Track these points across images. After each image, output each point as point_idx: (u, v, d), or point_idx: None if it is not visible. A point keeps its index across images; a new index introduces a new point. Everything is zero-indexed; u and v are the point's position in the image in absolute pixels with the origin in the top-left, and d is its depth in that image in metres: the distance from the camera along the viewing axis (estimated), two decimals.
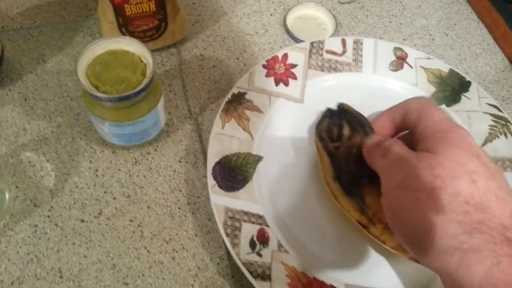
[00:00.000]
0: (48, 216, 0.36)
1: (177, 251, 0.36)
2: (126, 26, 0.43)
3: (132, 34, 0.43)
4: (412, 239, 0.29)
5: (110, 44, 0.36)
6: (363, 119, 0.39)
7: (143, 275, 0.35)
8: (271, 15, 0.53)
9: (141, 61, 0.36)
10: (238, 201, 0.37)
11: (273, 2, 0.55)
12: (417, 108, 0.34)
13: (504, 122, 0.44)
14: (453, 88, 0.47)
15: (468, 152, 0.29)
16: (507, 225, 0.27)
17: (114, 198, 0.38)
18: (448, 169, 0.28)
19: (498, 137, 0.44)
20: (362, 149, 0.36)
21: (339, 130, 0.39)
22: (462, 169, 0.28)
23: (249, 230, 0.36)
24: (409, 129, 0.35)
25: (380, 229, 0.34)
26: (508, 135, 0.44)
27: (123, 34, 0.43)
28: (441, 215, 0.27)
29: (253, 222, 0.37)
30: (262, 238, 0.36)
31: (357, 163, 0.36)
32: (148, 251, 0.36)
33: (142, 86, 0.34)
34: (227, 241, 0.35)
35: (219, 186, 0.37)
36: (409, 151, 0.32)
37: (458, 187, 0.27)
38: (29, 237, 0.35)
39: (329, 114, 0.41)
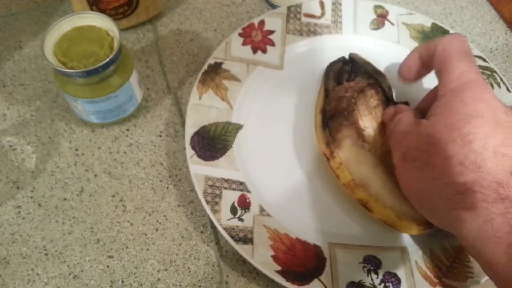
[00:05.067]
0: (31, 197, 0.37)
1: (160, 222, 0.36)
2: (96, 4, 0.42)
3: (103, 12, 0.43)
4: (420, 206, 0.31)
5: (76, 21, 0.36)
6: (372, 69, 0.41)
7: (127, 247, 0.35)
8: None
9: (108, 35, 0.36)
10: (218, 169, 0.37)
11: None
12: (441, 56, 0.33)
13: (490, 73, 0.43)
14: None
15: (468, 114, 0.29)
16: (502, 181, 0.27)
17: (95, 176, 0.38)
18: (442, 135, 0.29)
19: None
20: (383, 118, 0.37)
21: (348, 76, 0.41)
22: (455, 133, 0.29)
23: (230, 197, 0.36)
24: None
25: (337, 163, 0.35)
26: (495, 85, 0.43)
27: None
28: (437, 180, 0.29)
29: (233, 189, 0.36)
30: (244, 204, 0.36)
31: (345, 104, 0.37)
32: (131, 224, 0.36)
33: (109, 59, 0.34)
34: (207, 208, 0.34)
35: (198, 156, 0.37)
36: (414, 122, 0.32)
37: (451, 151, 0.28)
38: (13, 218, 0.36)
39: (343, 59, 0.43)
